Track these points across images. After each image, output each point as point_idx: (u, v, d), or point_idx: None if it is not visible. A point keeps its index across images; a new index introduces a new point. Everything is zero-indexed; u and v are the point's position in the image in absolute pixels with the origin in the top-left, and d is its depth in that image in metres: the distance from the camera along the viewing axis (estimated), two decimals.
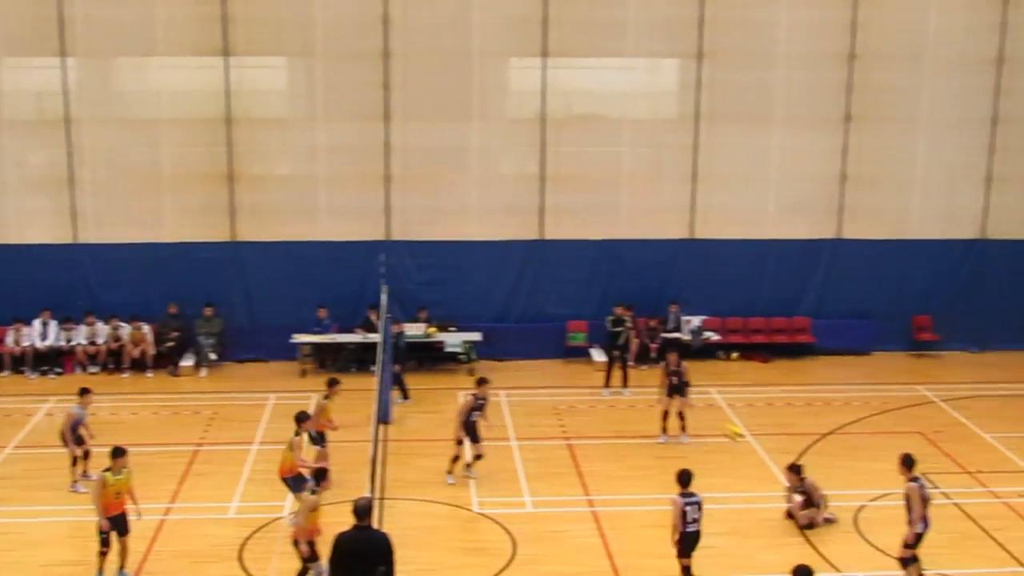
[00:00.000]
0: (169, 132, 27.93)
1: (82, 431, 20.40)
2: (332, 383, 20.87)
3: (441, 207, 28.71)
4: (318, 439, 20.12)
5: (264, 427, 23.60)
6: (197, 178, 28.06)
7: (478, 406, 20.72)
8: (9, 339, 27.33)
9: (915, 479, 16.47)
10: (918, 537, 16.37)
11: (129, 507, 16.99)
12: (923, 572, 16.48)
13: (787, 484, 19.30)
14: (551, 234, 28.74)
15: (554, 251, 28.74)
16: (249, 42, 27.51)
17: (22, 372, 27.19)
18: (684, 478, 16.19)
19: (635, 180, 28.96)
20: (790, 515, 19.02)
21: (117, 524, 16.74)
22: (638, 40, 28.14)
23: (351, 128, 28.15)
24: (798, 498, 18.98)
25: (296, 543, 16.03)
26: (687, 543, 16.12)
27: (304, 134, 28.34)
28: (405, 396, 25.25)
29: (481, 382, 21.03)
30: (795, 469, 19.17)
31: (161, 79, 27.82)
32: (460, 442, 20.59)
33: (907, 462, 16.68)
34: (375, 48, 27.53)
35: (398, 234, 28.38)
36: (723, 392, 25.95)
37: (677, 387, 23.00)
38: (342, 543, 13.30)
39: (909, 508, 16.42)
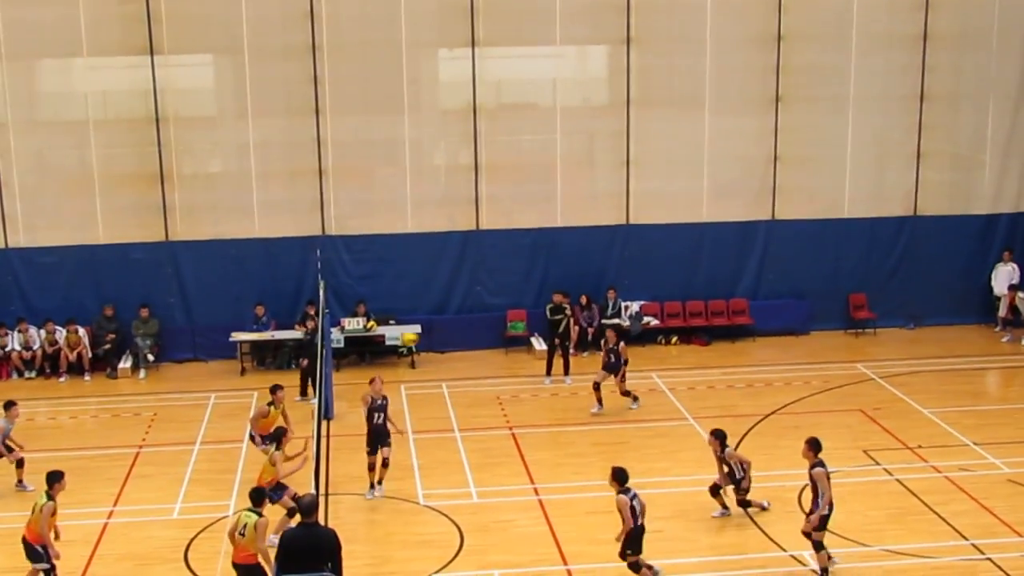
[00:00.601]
0: (98, 133, 27.52)
1: (9, 443, 20.24)
2: (275, 389, 20.36)
3: (376, 200, 28.61)
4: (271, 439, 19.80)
5: (205, 427, 23.42)
6: (128, 179, 27.71)
7: (377, 407, 19.77)
8: None
9: (821, 463, 16.57)
10: (825, 519, 16.49)
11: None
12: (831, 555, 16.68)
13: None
14: (487, 224, 28.70)
15: (491, 241, 28.72)
16: (175, 40, 27.16)
17: None
18: (621, 476, 16.20)
19: (569, 167, 29.00)
20: (715, 490, 18.73)
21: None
22: (566, 27, 28.14)
23: (282, 124, 27.94)
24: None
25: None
26: (638, 538, 16.15)
27: (234, 131, 28.10)
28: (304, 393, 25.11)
29: (372, 381, 20.12)
30: (717, 434, 18.73)
31: (87, 80, 27.47)
32: (371, 451, 19.74)
33: (813, 445, 16.81)
34: (303, 42, 27.32)
35: (333, 229, 28.21)
36: (664, 377, 26.10)
37: (613, 365, 23.28)
38: (288, 540, 13.25)
39: (817, 492, 16.50)
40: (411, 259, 28.44)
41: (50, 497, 15.78)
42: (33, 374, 27.14)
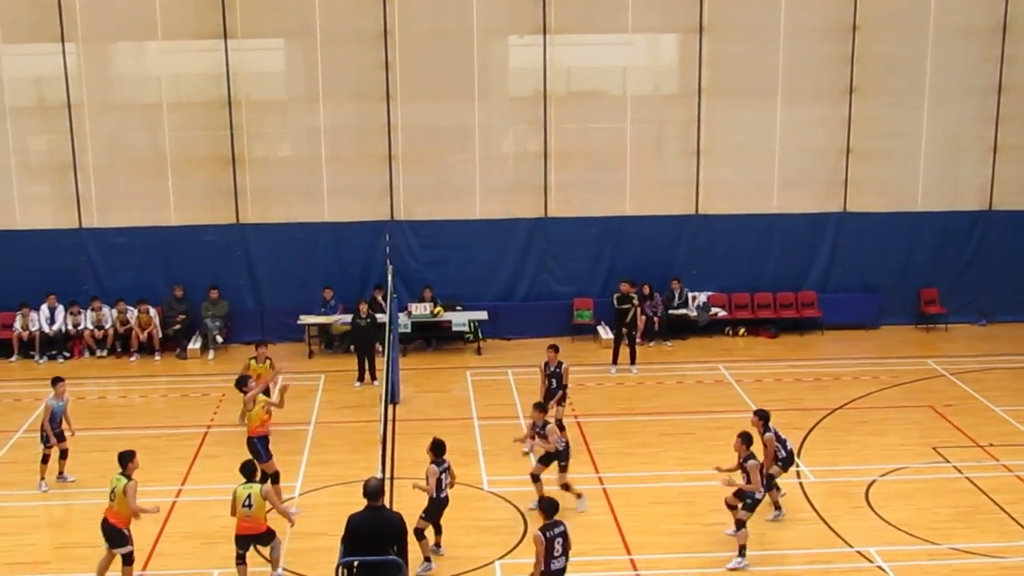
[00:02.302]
0: (171, 116, 27.89)
1: (63, 427, 20.03)
2: (259, 344, 22.20)
3: (444, 186, 28.68)
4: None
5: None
6: (200, 161, 28.04)
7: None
8: (17, 324, 27.32)
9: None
10: (756, 503, 16.78)
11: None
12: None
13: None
14: (555, 212, 28.67)
15: (559, 229, 28.69)
16: (248, 24, 27.40)
17: (31, 357, 27.21)
18: (438, 448, 16.73)
19: (639, 156, 28.88)
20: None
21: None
22: (638, 15, 28.01)
23: (352, 108, 28.10)
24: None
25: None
26: (438, 508, 16.64)
27: (305, 115, 28.33)
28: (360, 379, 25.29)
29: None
30: (761, 415, 18.36)
31: (161, 63, 27.79)
32: None
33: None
34: (374, 28, 27.43)
35: (402, 214, 28.33)
36: (731, 368, 25.93)
37: (552, 392, 21.37)
38: (355, 523, 13.30)
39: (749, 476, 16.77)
40: (479, 245, 28.48)
41: (127, 477, 15.81)
42: (104, 353, 27.53)
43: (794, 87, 28.50)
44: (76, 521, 18.49)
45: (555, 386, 21.09)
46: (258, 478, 16.17)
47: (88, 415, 23.76)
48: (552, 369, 21.25)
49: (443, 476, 16.50)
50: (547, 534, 13.94)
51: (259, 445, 18.78)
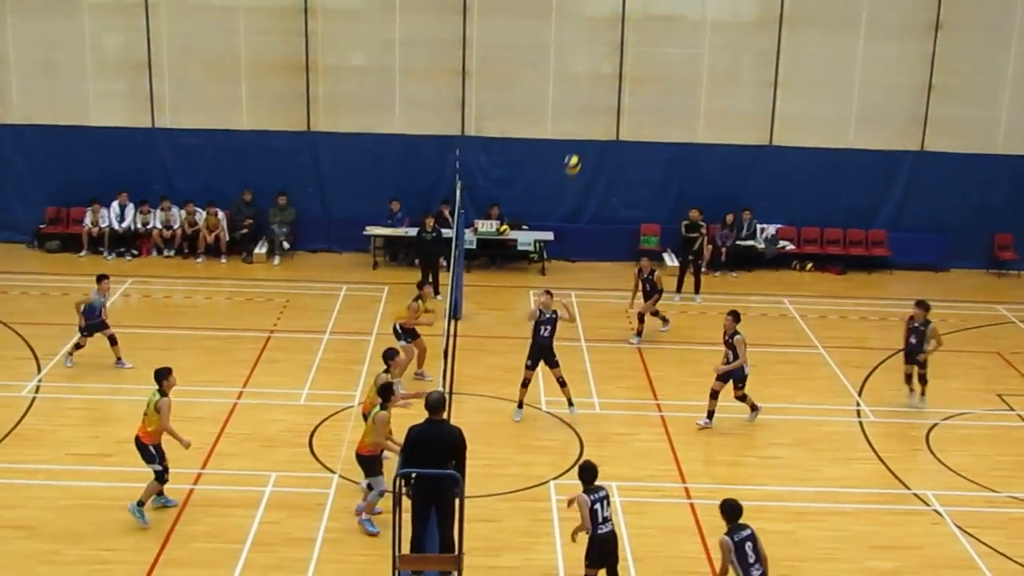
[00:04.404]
0: (247, 20, 27.90)
1: (104, 317, 20.57)
2: (421, 286, 20.54)
3: (516, 104, 28.48)
4: (406, 335, 20.03)
5: (335, 317, 23.73)
6: (273, 67, 28.04)
7: (546, 320, 18.94)
8: (87, 220, 27.62)
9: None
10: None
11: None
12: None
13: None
14: (626, 135, 28.40)
15: (629, 153, 28.44)
16: None
17: (100, 253, 27.56)
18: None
19: (714, 83, 28.50)
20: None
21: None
22: None
23: (428, 20, 27.92)
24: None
25: (360, 456, 15.41)
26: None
27: (380, 26, 28.17)
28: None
29: (543, 293, 19.41)
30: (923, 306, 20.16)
31: None
32: (531, 366, 19.06)
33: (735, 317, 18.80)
34: None
35: (473, 129, 28.21)
36: (795, 303, 25.70)
37: (648, 294, 22.80)
38: (415, 436, 13.34)
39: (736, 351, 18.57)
40: (548, 165, 28.04)
41: (163, 393, 15.46)
42: (172, 253, 27.80)
43: (878, 20, 27.90)
44: (137, 416, 18.61)
45: (650, 289, 22.67)
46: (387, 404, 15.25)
47: (153, 314, 24.10)
48: (646, 275, 22.59)
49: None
50: (591, 497, 13.41)
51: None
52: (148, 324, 23.10)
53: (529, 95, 28.39)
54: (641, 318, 22.83)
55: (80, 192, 27.84)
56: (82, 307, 20.44)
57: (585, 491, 13.41)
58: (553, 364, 18.96)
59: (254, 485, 16.54)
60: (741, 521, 12.68)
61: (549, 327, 18.91)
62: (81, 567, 14.39)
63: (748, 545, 12.57)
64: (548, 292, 19.35)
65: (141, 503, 15.26)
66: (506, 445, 18.12)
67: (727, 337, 18.67)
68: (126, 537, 15.04)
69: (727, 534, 12.60)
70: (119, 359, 20.58)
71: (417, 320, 19.99)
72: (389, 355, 16.89)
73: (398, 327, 20.11)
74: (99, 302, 20.52)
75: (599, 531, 13.34)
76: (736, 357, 18.53)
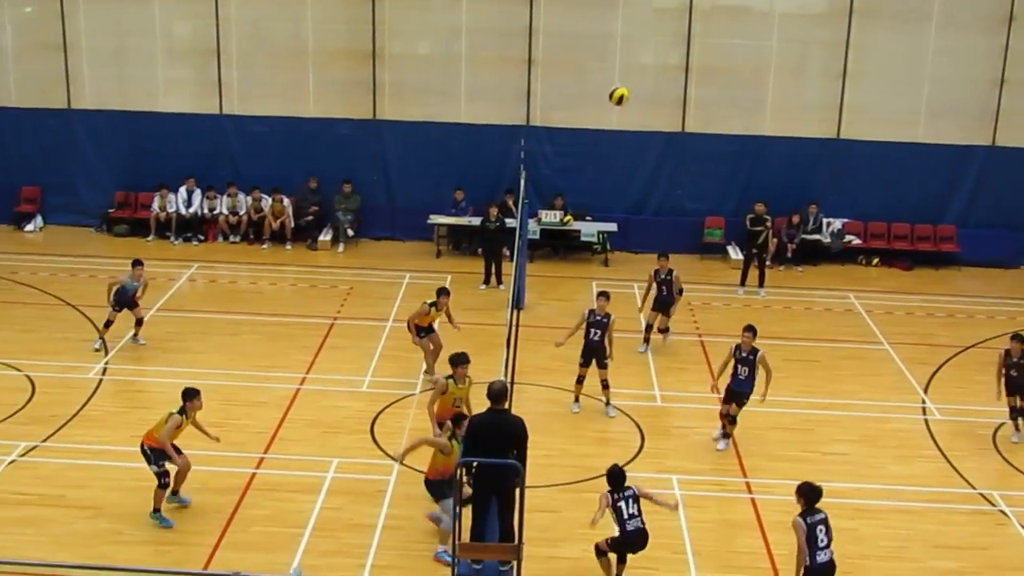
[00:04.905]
0: (314, 7, 28.05)
1: (137, 299, 20.73)
2: (440, 292, 19.80)
3: (582, 94, 28.34)
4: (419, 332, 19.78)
5: (398, 305, 23.79)
6: (340, 55, 28.18)
7: (596, 322, 18.76)
8: (155, 205, 27.95)
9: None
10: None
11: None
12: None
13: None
14: (692, 127, 28.23)
15: (694, 144, 28.27)
16: None
17: (167, 237, 27.88)
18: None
19: (781, 75, 28.22)
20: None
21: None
22: None
23: (494, 10, 27.92)
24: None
25: (428, 482, 14.64)
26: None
27: (447, 14, 28.22)
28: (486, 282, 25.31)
29: (600, 296, 19.24)
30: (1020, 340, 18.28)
31: None
32: (584, 363, 19.06)
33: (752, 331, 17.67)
34: None
35: (538, 120, 28.17)
36: (861, 298, 25.43)
37: (664, 299, 21.62)
38: (478, 425, 13.37)
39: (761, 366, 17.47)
40: (613, 156, 28.22)
41: (182, 412, 15.15)
42: (238, 239, 28.04)
43: (950, 12, 27.47)
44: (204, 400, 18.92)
45: (666, 293, 21.34)
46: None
47: (219, 299, 24.35)
48: (663, 277, 21.38)
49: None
50: (614, 496, 13.61)
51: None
52: (213, 309, 23.35)
53: (595, 85, 28.13)
54: (664, 331, 21.76)
55: (148, 177, 28.17)
56: (114, 289, 20.58)
57: (610, 491, 13.68)
58: (602, 365, 18.85)
59: (316, 471, 16.65)
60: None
61: (599, 330, 18.78)
62: (145, 547, 14.58)
63: (820, 528, 12.80)
64: (604, 295, 19.23)
65: (156, 510, 15.07)
66: (566, 436, 18.10)
67: (745, 353, 17.47)
68: (189, 519, 15.22)
69: (800, 515, 12.84)
70: (136, 336, 20.86)
71: (422, 323, 19.68)
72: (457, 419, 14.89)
73: (410, 324, 19.72)
74: (132, 287, 20.66)
75: (627, 527, 13.55)
76: (753, 375, 17.45)
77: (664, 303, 21.52)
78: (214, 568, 14.06)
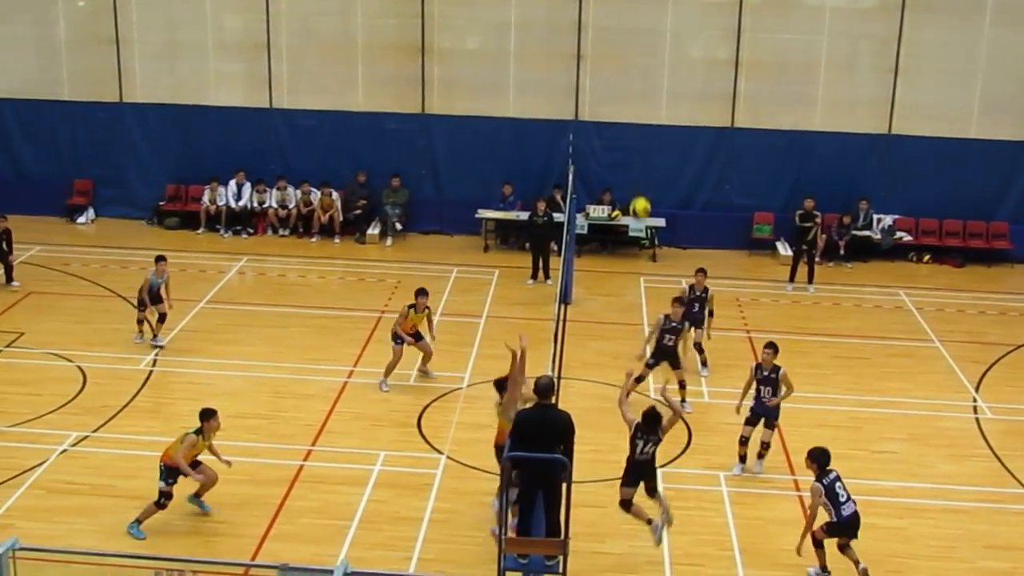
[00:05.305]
0: (364, 2, 28.14)
1: (162, 293, 20.65)
2: (420, 293, 19.42)
3: (630, 89, 28.31)
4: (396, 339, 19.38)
5: (446, 299, 23.84)
6: (389, 49, 28.25)
7: (671, 328, 18.73)
8: (205, 198, 28.15)
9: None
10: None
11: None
12: None
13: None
14: (741, 122, 28.06)
15: (744, 140, 28.09)
16: None
17: (217, 230, 28.04)
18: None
19: (832, 70, 27.98)
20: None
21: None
22: None
23: (543, 4, 27.93)
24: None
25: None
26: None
27: (496, 9, 28.19)
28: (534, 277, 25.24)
29: (675, 302, 19.10)
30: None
31: None
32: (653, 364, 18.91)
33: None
34: None
35: (587, 114, 28.11)
36: (911, 295, 25.18)
37: (696, 316, 20.30)
38: (524, 419, 13.36)
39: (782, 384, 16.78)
40: (661, 151, 28.10)
41: (199, 432, 14.93)
42: (287, 232, 28.17)
43: (1004, 6, 27.13)
44: (250, 392, 19.08)
45: (696, 309, 20.08)
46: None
47: (268, 292, 24.51)
48: (698, 293, 20.31)
49: (838, 486, 14.12)
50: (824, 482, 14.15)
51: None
52: (262, 302, 23.51)
53: (644, 80, 28.22)
54: (699, 348, 20.47)
55: (199, 170, 28.40)
56: (143, 289, 20.64)
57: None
58: (676, 366, 18.81)
59: (363, 463, 16.74)
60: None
61: (673, 336, 18.75)
62: (193, 538, 14.71)
63: (838, 484, 14.08)
64: (679, 300, 19.14)
65: (138, 520, 14.81)
66: (612, 431, 17.93)
67: (767, 372, 16.67)
68: (237, 510, 15.33)
69: (817, 480, 14.08)
70: (156, 336, 20.77)
71: (405, 328, 19.27)
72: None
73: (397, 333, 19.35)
74: (156, 283, 20.66)
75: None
76: (776, 395, 16.69)
77: (694, 319, 20.23)
78: (262, 559, 14.18)
